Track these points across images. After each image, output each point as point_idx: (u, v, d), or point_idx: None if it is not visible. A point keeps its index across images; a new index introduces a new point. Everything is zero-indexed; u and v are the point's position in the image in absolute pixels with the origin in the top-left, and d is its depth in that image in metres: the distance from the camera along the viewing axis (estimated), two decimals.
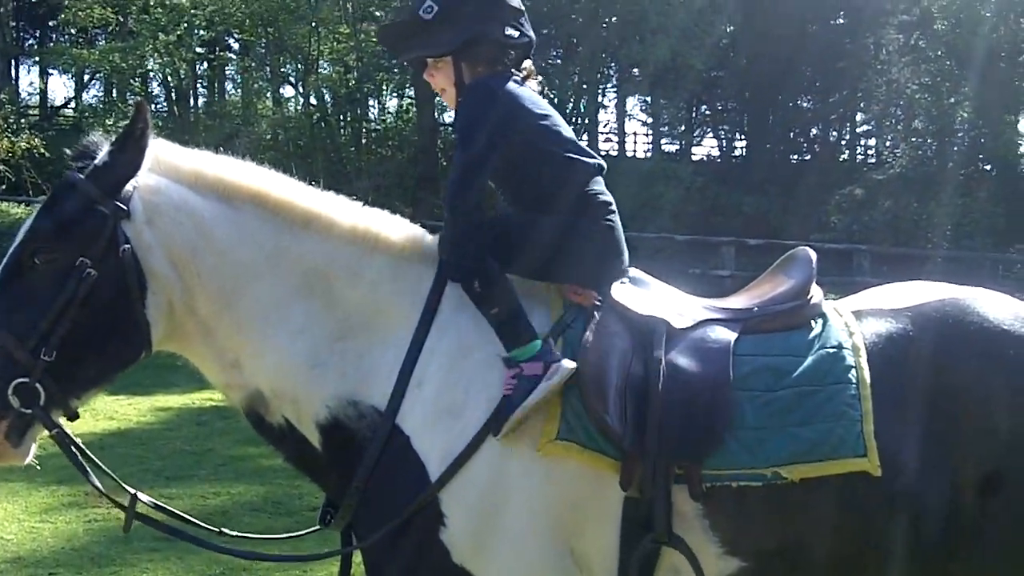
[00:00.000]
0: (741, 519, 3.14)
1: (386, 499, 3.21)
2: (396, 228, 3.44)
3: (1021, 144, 31.11)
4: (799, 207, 28.51)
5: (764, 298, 3.47)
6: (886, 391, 3.21)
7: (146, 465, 9.56)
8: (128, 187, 3.19)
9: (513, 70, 3.49)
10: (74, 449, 3.23)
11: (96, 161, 3.20)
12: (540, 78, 3.63)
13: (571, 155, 3.44)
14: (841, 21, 33.90)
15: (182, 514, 3.50)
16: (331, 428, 3.29)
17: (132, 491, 3.31)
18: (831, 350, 3.28)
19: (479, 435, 3.15)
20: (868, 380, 3.22)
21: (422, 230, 3.49)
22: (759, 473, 3.11)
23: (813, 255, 3.53)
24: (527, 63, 3.56)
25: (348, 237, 3.36)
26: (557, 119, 3.51)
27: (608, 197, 3.47)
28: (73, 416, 3.18)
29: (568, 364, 3.13)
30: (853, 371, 3.23)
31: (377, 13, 30.40)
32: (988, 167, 28.91)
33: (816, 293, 3.43)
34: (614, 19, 29.60)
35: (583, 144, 3.56)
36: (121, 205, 3.16)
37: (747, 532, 3.15)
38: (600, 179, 3.50)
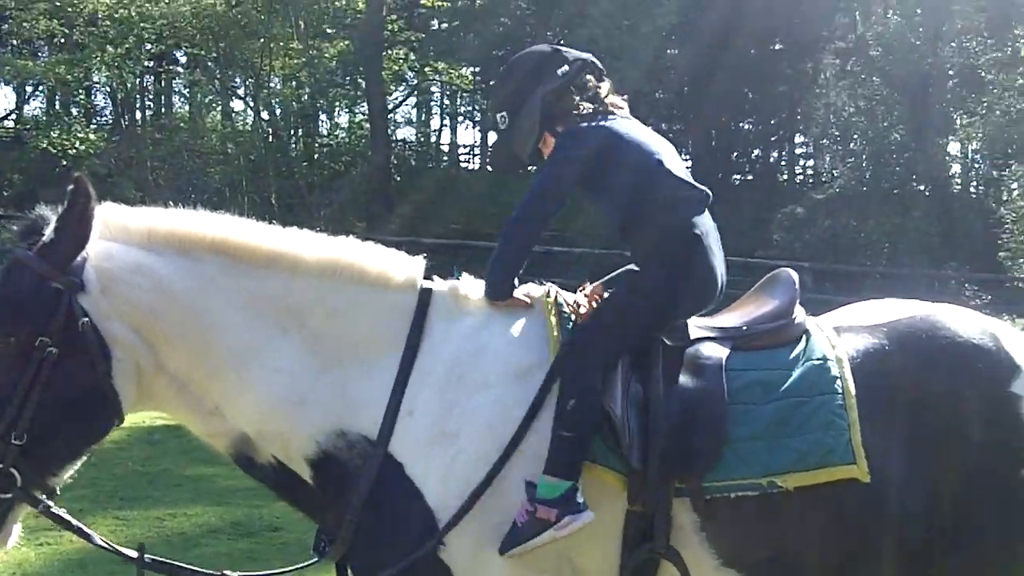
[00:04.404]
0: (737, 530, 3.25)
1: (383, 528, 3.21)
2: (369, 257, 3.41)
3: (952, 165, 31.88)
4: (742, 225, 28.74)
5: (751, 316, 3.56)
6: (867, 402, 3.34)
7: (99, 487, 9.21)
8: (79, 258, 3.14)
9: (592, 106, 3.58)
10: (66, 518, 3.23)
11: (44, 237, 3.15)
12: (624, 98, 3.70)
13: (673, 189, 3.48)
14: (779, 47, 34.46)
15: (187, 566, 3.39)
16: (321, 462, 3.28)
17: (132, 554, 3.30)
18: (816, 362, 3.40)
19: (480, 487, 3.17)
20: (853, 390, 3.34)
21: (400, 255, 3.48)
22: (755, 483, 3.23)
23: (796, 276, 3.65)
24: (602, 85, 3.64)
25: (315, 272, 3.33)
26: (657, 147, 3.54)
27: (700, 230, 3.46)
28: (51, 494, 3.18)
29: (587, 516, 3.13)
30: (838, 382, 3.35)
31: (329, 30, 30.22)
32: (921, 187, 29.47)
33: (800, 312, 3.55)
34: (561, 42, 29.82)
35: (687, 174, 3.58)
36: (73, 278, 3.11)
37: (743, 542, 3.26)
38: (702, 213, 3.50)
